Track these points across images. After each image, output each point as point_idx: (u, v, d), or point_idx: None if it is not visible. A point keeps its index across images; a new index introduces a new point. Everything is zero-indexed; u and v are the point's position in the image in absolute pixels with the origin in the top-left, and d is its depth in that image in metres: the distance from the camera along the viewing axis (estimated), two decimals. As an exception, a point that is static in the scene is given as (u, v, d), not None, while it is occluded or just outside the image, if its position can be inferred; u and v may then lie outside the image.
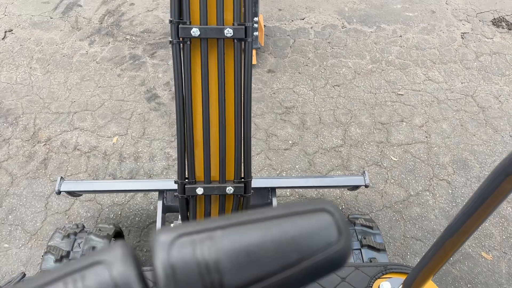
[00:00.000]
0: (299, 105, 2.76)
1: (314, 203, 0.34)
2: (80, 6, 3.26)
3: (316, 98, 2.81)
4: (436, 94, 2.85)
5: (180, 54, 1.09)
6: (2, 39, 2.99)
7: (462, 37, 3.23)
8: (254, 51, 3.01)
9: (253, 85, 2.85)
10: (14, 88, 2.72)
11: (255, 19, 2.97)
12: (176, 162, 2.40)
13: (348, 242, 0.33)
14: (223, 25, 1.06)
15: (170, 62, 2.93)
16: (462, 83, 2.93)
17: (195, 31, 1.06)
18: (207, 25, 1.06)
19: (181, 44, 1.09)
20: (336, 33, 3.22)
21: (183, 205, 1.34)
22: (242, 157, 1.24)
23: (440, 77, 2.96)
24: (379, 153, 2.52)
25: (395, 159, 2.49)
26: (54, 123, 2.57)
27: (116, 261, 0.31)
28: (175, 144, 2.50)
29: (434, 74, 2.98)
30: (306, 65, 3.00)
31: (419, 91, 2.87)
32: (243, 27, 1.07)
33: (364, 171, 1.94)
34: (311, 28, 3.25)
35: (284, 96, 2.81)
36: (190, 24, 1.06)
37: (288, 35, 3.18)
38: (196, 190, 1.26)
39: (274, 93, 2.82)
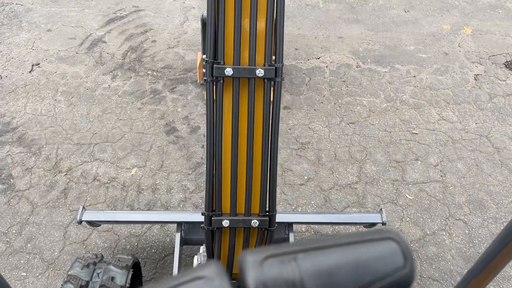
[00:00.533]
0: (314, 141, 2.81)
1: (381, 232, 0.38)
2: (105, 42, 3.40)
3: (331, 134, 2.85)
4: (451, 134, 2.88)
5: (213, 91, 1.15)
6: (30, 72, 3.12)
7: (475, 79, 3.29)
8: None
9: (269, 121, 2.91)
10: (39, 119, 2.81)
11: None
12: (193, 195, 2.44)
13: (413, 268, 0.37)
14: (255, 65, 1.13)
15: (189, 97, 3.02)
16: (476, 123, 2.96)
17: (228, 71, 1.12)
18: (239, 65, 1.12)
19: (215, 82, 1.15)
20: (351, 72, 3.30)
21: (209, 237, 1.37)
22: (268, 191, 1.28)
23: (454, 117, 3.00)
24: (395, 191, 2.53)
25: (411, 198, 2.50)
26: (75, 153, 2.64)
27: (214, 277, 0.35)
28: (192, 177, 2.55)
29: (448, 114, 3.02)
30: (322, 102, 3.06)
31: (434, 130, 2.90)
32: (274, 67, 1.13)
33: (381, 209, 1.96)
34: (326, 67, 3.33)
35: (300, 132, 2.86)
36: (224, 64, 1.12)
37: (304, 73, 3.27)
38: (223, 223, 1.30)
39: (290, 129, 2.88)
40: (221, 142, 1.20)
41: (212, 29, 1.09)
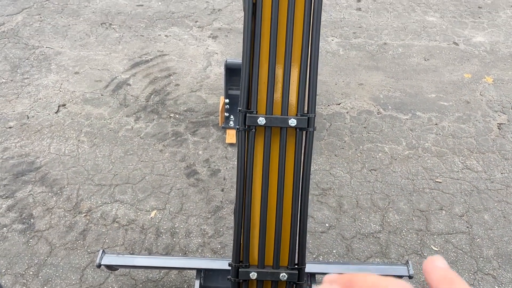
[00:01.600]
0: (335, 188, 2.77)
1: None
2: (129, 85, 3.48)
3: (353, 181, 2.81)
4: (476, 184, 2.82)
5: (245, 140, 1.15)
6: (56, 113, 3.19)
7: (498, 128, 3.25)
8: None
9: (290, 166, 2.89)
10: (62, 159, 2.84)
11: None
12: (212, 240, 2.40)
13: None
14: (287, 115, 1.13)
15: (211, 140, 3.03)
16: (502, 173, 2.90)
17: (261, 120, 1.13)
18: (272, 114, 1.12)
19: (247, 131, 1.15)
20: (372, 118, 3.30)
21: None
22: (298, 243, 1.25)
23: (479, 166, 2.94)
24: (419, 241, 2.45)
25: (436, 249, 2.41)
26: (96, 194, 2.64)
27: None
28: (211, 221, 2.52)
29: (472, 163, 2.96)
30: (342, 148, 3.05)
31: (458, 179, 2.84)
32: (306, 117, 1.13)
33: (407, 261, 1.89)
34: (347, 113, 3.34)
35: (321, 178, 2.83)
36: (256, 113, 1.13)
37: (324, 119, 3.27)
38: (250, 275, 1.26)
39: (310, 174, 2.85)
40: (251, 191, 1.19)
41: (246, 78, 1.10)
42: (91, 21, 4.21)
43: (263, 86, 1.11)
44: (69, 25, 4.14)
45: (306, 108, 1.13)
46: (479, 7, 4.78)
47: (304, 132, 1.15)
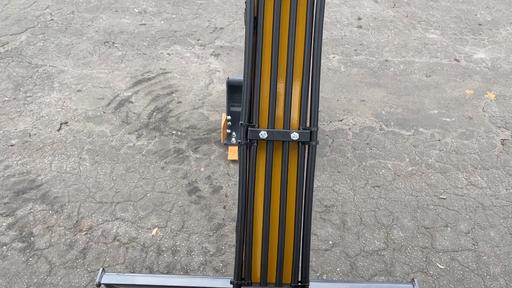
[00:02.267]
0: (339, 204, 2.74)
1: None
2: (132, 102, 3.49)
3: (356, 198, 2.78)
4: (481, 200, 2.78)
5: (247, 154, 1.13)
6: (58, 130, 3.19)
7: (502, 144, 3.23)
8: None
9: (292, 183, 2.87)
10: (63, 177, 2.83)
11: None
12: (214, 258, 2.36)
13: None
14: (289, 129, 1.12)
15: (212, 156, 3.02)
16: (507, 189, 2.86)
17: (263, 134, 1.12)
18: (274, 128, 1.11)
19: (248, 145, 1.14)
20: (374, 135, 3.28)
21: None
22: (301, 260, 1.22)
23: (483, 182, 2.91)
24: (424, 259, 2.41)
25: (442, 267, 2.37)
26: (97, 212, 2.62)
27: None
28: (213, 239, 2.49)
29: (477, 179, 2.94)
30: (345, 164, 3.03)
31: (462, 195, 2.81)
32: (309, 131, 1.12)
33: (413, 279, 1.85)
34: (349, 129, 3.33)
35: (324, 195, 2.80)
36: (258, 127, 1.12)
37: (327, 135, 3.26)
38: (252, 293, 1.23)
39: (313, 190, 2.82)
40: (253, 206, 1.17)
41: (247, 92, 1.09)
42: (94, 40, 4.25)
43: (265, 100, 1.11)
44: (73, 44, 4.18)
45: (308, 122, 1.12)
46: (479, 24, 4.81)
47: (307, 146, 1.14)
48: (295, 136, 1.11)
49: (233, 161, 2.99)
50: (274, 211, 1.17)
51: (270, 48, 1.11)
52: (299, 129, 1.12)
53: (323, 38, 4.36)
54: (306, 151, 1.13)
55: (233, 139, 3.07)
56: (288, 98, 1.10)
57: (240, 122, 1.12)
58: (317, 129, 1.12)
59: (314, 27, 1.11)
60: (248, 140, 1.12)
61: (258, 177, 1.15)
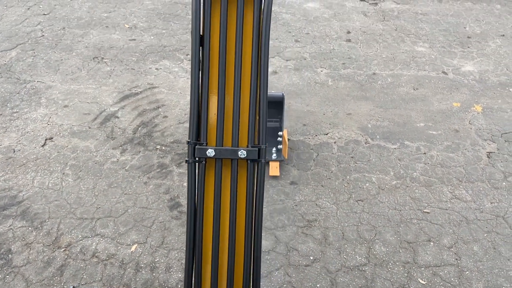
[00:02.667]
0: (321, 219, 2.72)
1: None
2: (117, 117, 3.49)
3: (339, 212, 2.76)
4: (465, 214, 2.76)
5: (195, 172, 1.13)
6: (42, 146, 3.19)
7: (488, 157, 3.21)
8: (278, 164, 3.07)
9: (275, 197, 2.86)
10: (45, 193, 2.82)
11: (280, 133, 3.08)
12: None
13: None
14: (238, 146, 1.11)
15: (196, 172, 3.01)
16: (491, 203, 2.84)
17: (210, 152, 1.11)
18: (222, 146, 1.11)
19: (197, 164, 1.13)
20: (360, 148, 3.27)
21: None
22: (252, 275, 1.20)
23: (468, 196, 2.89)
24: (406, 274, 2.38)
25: (424, 282, 2.34)
26: (77, 228, 2.60)
27: None
28: (193, 255, 2.46)
29: (461, 192, 2.91)
30: (329, 178, 3.01)
31: (446, 209, 2.79)
32: (257, 149, 1.11)
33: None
34: (335, 142, 3.32)
35: (306, 209, 2.78)
36: (206, 145, 1.11)
37: (312, 149, 3.25)
38: (202, 312, 1.21)
39: (296, 205, 2.81)
40: (202, 224, 1.15)
41: (195, 109, 1.09)
42: (84, 56, 4.27)
43: (213, 117, 1.10)
44: (62, 59, 4.20)
45: (256, 140, 1.11)
46: (468, 37, 4.83)
47: (257, 164, 1.13)
48: (242, 153, 1.10)
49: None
50: (224, 230, 1.15)
51: (217, 65, 1.11)
52: (247, 146, 1.11)
53: (312, 52, 4.38)
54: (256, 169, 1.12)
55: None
56: (236, 115, 1.09)
57: (187, 140, 1.11)
58: (266, 146, 1.12)
59: (261, 43, 1.11)
60: (195, 158, 1.11)
61: (208, 196, 1.14)
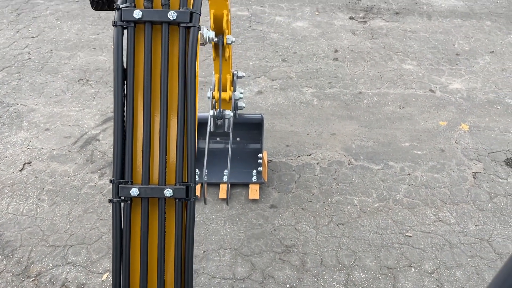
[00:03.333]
0: (300, 244, 2.64)
1: None
2: (98, 140, 3.46)
3: (319, 237, 2.69)
4: (448, 237, 2.68)
5: (120, 213, 1.07)
6: (20, 171, 3.15)
7: (474, 177, 3.14)
8: (257, 186, 3.02)
9: (254, 221, 2.79)
10: (19, 220, 2.77)
11: (259, 155, 3.03)
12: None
13: None
14: (165, 184, 1.06)
15: (174, 196, 2.95)
16: (476, 225, 2.76)
17: (134, 191, 1.06)
18: (149, 184, 1.05)
19: (122, 203, 1.08)
20: (342, 169, 3.21)
21: None
22: None
23: (452, 218, 2.81)
24: (385, 302, 2.30)
25: (402, 311, 2.25)
26: (48, 256, 2.54)
27: None
28: (165, 284, 2.39)
29: (445, 215, 2.84)
30: (310, 201, 2.95)
31: (429, 233, 2.71)
32: (184, 187, 1.06)
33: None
34: (317, 164, 3.27)
35: (285, 234, 2.71)
36: (131, 183, 1.06)
37: (294, 171, 3.20)
38: None
39: (275, 229, 2.74)
40: (129, 268, 1.09)
41: (119, 146, 1.04)
42: (69, 78, 4.26)
43: (138, 154, 1.05)
44: (47, 82, 4.19)
45: (185, 177, 1.06)
46: (457, 54, 4.80)
47: (186, 202, 1.08)
48: (168, 192, 1.05)
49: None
50: (152, 272, 1.09)
51: (142, 99, 1.07)
52: (175, 184, 1.06)
53: (298, 71, 4.35)
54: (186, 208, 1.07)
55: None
56: (163, 151, 1.04)
57: (110, 178, 1.06)
58: (195, 184, 1.06)
59: (187, 76, 1.07)
60: (119, 198, 1.06)
61: (135, 236, 1.08)
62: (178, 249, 1.08)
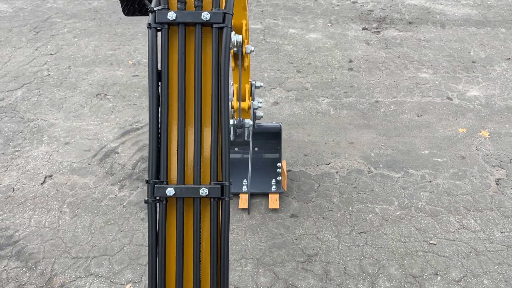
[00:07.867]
0: (322, 253, 2.61)
1: None
2: (117, 153, 3.49)
3: (341, 245, 2.66)
4: (474, 245, 2.63)
5: (156, 213, 1.07)
6: (41, 184, 3.19)
7: (497, 183, 3.09)
8: (277, 196, 3.00)
9: (274, 230, 2.77)
10: (41, 232, 2.79)
11: (278, 164, 3.03)
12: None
13: None
14: (200, 184, 1.06)
15: (194, 206, 2.95)
16: (502, 232, 2.70)
17: (169, 191, 1.06)
18: (183, 184, 1.06)
19: (158, 204, 1.09)
20: (362, 178, 3.18)
21: None
22: None
23: (477, 225, 2.76)
24: (412, 311, 2.25)
25: (431, 320, 2.20)
26: (71, 268, 2.55)
27: None
28: (188, 294, 2.37)
29: (469, 222, 2.79)
30: (331, 210, 2.92)
31: (454, 240, 2.66)
32: (219, 186, 1.06)
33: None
34: (336, 172, 3.24)
35: (307, 243, 2.68)
36: (167, 183, 1.07)
37: (313, 180, 3.18)
38: None
39: (296, 239, 2.71)
40: (164, 269, 1.09)
41: (154, 146, 1.05)
42: (87, 93, 4.33)
43: (173, 154, 1.06)
44: (66, 97, 4.26)
45: (220, 176, 1.06)
46: (473, 62, 4.77)
47: (221, 202, 1.07)
48: (204, 191, 1.05)
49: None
50: (188, 273, 1.09)
51: (176, 100, 1.08)
52: (210, 183, 1.07)
53: (313, 82, 4.36)
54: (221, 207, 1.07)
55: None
56: (198, 151, 1.05)
57: (146, 179, 1.07)
58: (230, 183, 1.07)
59: (220, 75, 1.08)
60: (155, 198, 1.07)
61: (170, 237, 1.08)
62: (213, 249, 1.07)
